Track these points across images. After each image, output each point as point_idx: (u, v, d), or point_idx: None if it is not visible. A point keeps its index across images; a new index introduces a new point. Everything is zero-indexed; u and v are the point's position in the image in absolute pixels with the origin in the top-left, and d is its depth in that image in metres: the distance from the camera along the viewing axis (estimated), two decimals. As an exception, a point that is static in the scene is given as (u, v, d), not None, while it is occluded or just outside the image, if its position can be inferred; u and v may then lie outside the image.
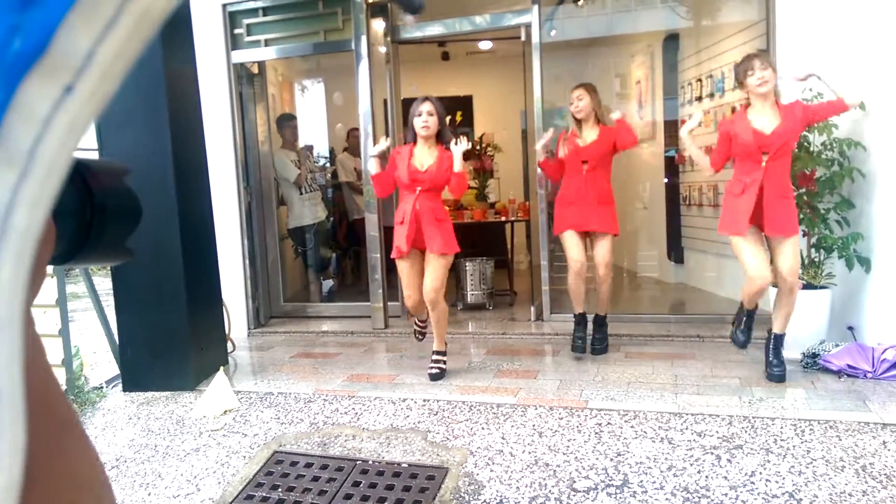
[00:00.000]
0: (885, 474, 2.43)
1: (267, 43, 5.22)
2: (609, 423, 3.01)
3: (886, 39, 3.63)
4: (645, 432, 2.90)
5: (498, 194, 7.10)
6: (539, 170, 4.45)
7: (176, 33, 3.93)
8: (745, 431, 2.84)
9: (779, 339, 3.45)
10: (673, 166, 6.14)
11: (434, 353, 3.88)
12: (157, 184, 3.72)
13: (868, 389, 3.26)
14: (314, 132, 7.15)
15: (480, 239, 6.17)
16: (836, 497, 2.30)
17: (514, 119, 7.30)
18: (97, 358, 4.70)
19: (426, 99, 3.71)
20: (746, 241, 3.30)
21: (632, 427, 2.96)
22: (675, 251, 6.20)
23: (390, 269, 4.05)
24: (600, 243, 4.01)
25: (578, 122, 4.02)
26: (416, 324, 4.15)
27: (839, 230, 3.77)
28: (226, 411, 3.46)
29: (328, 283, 6.35)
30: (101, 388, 4.01)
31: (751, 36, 4.69)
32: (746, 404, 3.14)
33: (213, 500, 2.61)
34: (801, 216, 3.66)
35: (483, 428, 3.05)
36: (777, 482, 2.42)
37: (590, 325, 4.14)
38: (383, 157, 3.92)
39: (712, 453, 2.66)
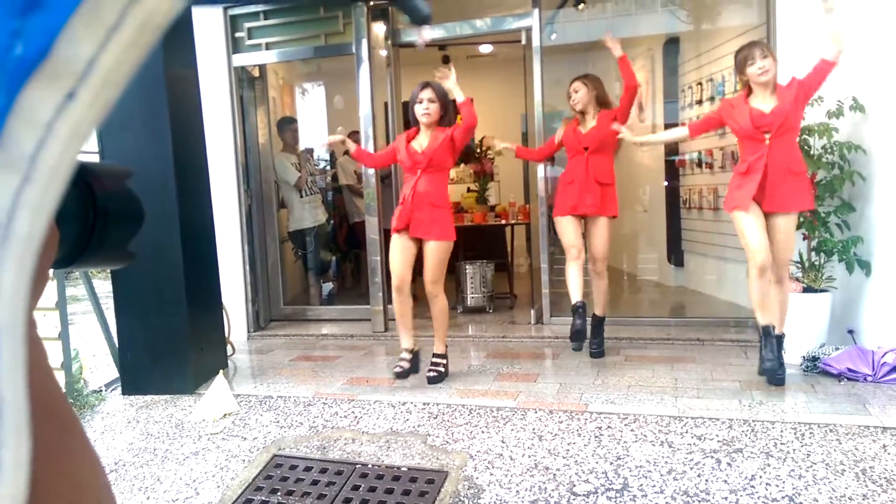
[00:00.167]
0: (886, 478, 2.42)
1: (268, 46, 5.22)
2: (609, 427, 3.00)
3: (886, 43, 3.63)
4: (645, 436, 2.89)
5: (498, 197, 7.10)
6: (541, 167, 4.50)
7: (177, 37, 3.93)
8: (746, 435, 2.84)
9: (778, 341, 3.44)
10: (673, 169, 6.15)
11: (434, 355, 3.84)
12: (157, 187, 3.72)
13: (868, 393, 3.25)
14: (315, 135, 7.15)
15: (480, 242, 6.18)
16: (836, 501, 2.29)
17: (514, 122, 7.30)
18: (96, 361, 4.70)
19: (427, 85, 3.62)
20: (748, 217, 3.27)
21: (632, 431, 2.95)
22: (675, 254, 6.20)
23: (390, 272, 4.04)
24: (598, 231, 3.98)
25: (580, 113, 4.05)
26: (401, 357, 3.75)
27: (839, 233, 3.77)
28: (225, 415, 3.46)
29: (328, 287, 6.35)
30: (101, 391, 4.01)
31: (751, 40, 4.69)
32: (746, 408, 3.13)
33: (212, 503, 2.61)
34: (801, 219, 3.66)
35: (483, 431, 3.04)
36: (777, 486, 2.41)
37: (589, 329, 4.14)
38: (341, 143, 4.09)
39: (712, 457, 2.66)
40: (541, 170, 4.92)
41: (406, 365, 3.68)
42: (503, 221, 5.98)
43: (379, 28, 5.12)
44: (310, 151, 6.61)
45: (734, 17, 5.09)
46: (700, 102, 5.60)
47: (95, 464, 0.39)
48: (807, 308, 3.71)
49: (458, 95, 3.60)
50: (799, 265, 3.86)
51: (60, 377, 3.68)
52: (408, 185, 3.71)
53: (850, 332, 3.81)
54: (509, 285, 6.04)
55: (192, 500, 2.65)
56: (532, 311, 5.09)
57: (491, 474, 2.64)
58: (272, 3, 5.08)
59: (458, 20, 5.07)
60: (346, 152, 6.58)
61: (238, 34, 5.23)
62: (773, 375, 3.32)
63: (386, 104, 5.32)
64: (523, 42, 4.98)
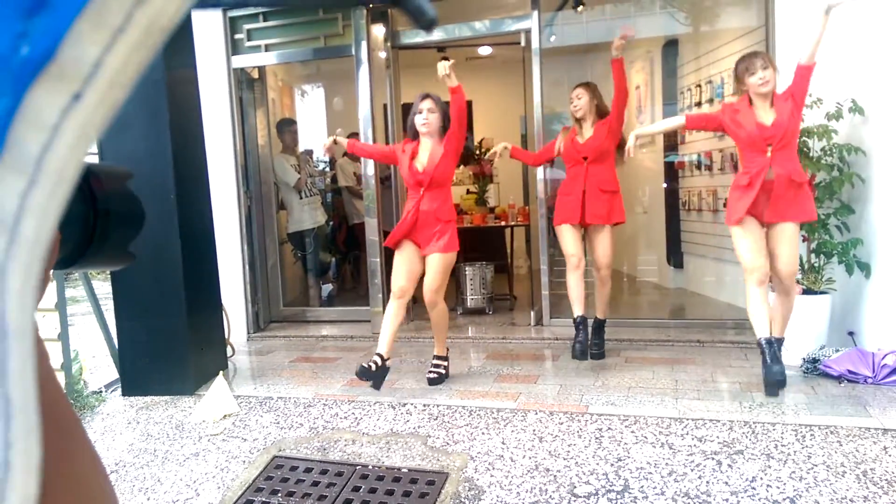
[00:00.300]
0: (886, 480, 2.42)
1: (267, 48, 5.23)
2: (609, 429, 3.00)
3: (885, 45, 3.64)
4: (645, 437, 2.89)
5: (497, 199, 7.10)
6: (540, 169, 4.49)
7: (176, 38, 3.91)
8: (746, 437, 2.84)
9: (779, 343, 3.44)
10: (672, 171, 6.15)
11: (434, 357, 3.85)
12: (157, 188, 3.72)
13: (868, 395, 3.25)
14: (314, 137, 7.16)
15: (480, 243, 6.17)
16: (837, 503, 2.29)
17: (513, 124, 7.31)
18: (96, 362, 4.70)
19: (426, 96, 3.65)
20: (745, 234, 3.27)
21: (632, 432, 2.95)
22: (675, 256, 6.21)
23: (390, 273, 4.05)
24: (600, 238, 3.97)
25: (578, 120, 4.04)
26: (433, 363, 3.79)
27: (839, 235, 3.78)
28: (225, 416, 3.45)
29: (328, 288, 6.35)
30: (101, 392, 4.01)
31: (750, 42, 4.70)
32: (747, 409, 3.13)
33: (212, 505, 2.61)
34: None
35: (483, 433, 3.04)
36: (778, 488, 2.41)
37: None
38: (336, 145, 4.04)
39: (713, 458, 2.66)
40: (540, 172, 4.92)
41: (373, 366, 3.53)
42: (503, 223, 5.98)
43: (378, 30, 5.13)
44: (309, 153, 6.62)
45: (733, 19, 5.09)
46: (699, 104, 5.60)
47: (97, 465, 0.39)
48: (807, 310, 3.71)
49: (453, 80, 3.53)
50: (799, 267, 3.86)
51: (60, 378, 3.66)
52: (411, 201, 3.72)
53: (851, 333, 3.81)
54: (509, 287, 6.04)
55: (192, 500, 2.64)
56: (532, 313, 5.09)
57: (491, 476, 2.63)
58: (278, 6, 5.09)
59: (457, 22, 5.07)
60: (346, 153, 6.59)
61: (237, 36, 5.23)
62: (779, 387, 3.24)
63: (385, 106, 5.33)
64: (522, 44, 4.99)
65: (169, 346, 3.89)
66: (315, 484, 2.66)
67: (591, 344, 4.10)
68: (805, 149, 3.80)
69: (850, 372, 3.43)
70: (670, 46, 6.00)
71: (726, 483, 2.46)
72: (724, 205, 3.63)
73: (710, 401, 3.27)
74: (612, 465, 2.66)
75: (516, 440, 2.94)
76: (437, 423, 3.20)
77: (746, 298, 3.36)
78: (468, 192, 6.61)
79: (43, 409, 0.27)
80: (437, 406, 3.41)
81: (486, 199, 6.44)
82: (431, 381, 3.75)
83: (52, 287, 3.64)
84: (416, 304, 3.89)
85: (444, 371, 3.83)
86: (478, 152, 6.77)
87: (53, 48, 0.22)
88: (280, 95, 6.23)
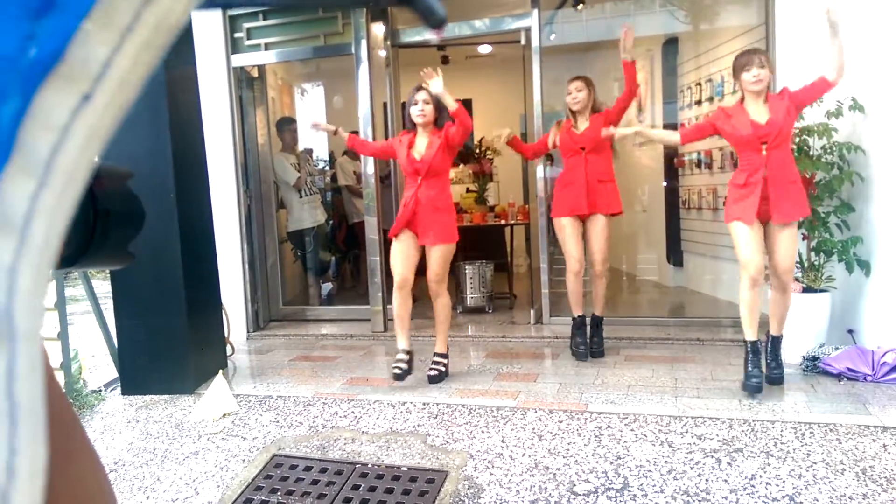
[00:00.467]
0: (886, 477, 2.42)
1: (267, 47, 5.22)
2: (609, 427, 3.00)
3: (885, 43, 3.64)
4: (645, 435, 2.89)
5: (497, 198, 7.10)
6: (540, 168, 4.48)
7: (176, 37, 3.93)
8: (746, 435, 2.84)
9: (776, 341, 3.44)
10: (672, 170, 6.15)
11: (435, 354, 3.86)
12: (156, 187, 3.72)
13: (868, 393, 3.25)
14: (314, 135, 7.15)
15: (480, 242, 6.17)
16: (836, 500, 2.29)
17: (513, 123, 7.29)
18: (96, 361, 4.70)
19: (421, 87, 3.69)
20: (745, 229, 3.28)
21: (632, 430, 2.95)
22: (675, 254, 6.21)
23: (390, 272, 4.06)
24: (597, 231, 3.97)
25: (573, 113, 4.05)
26: (398, 358, 3.75)
27: (839, 234, 3.78)
28: (225, 415, 3.46)
29: (327, 287, 6.35)
30: (100, 391, 4.01)
31: (750, 40, 4.70)
32: (746, 407, 3.13)
33: (211, 503, 2.61)
34: (801, 220, 3.66)
35: (483, 431, 3.04)
36: (777, 485, 2.41)
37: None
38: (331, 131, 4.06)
39: (712, 456, 2.66)
40: (539, 170, 4.92)
41: (404, 366, 3.71)
42: (502, 222, 5.98)
43: (378, 28, 5.12)
44: (309, 152, 6.61)
45: (733, 17, 5.09)
46: (699, 103, 5.60)
47: (96, 464, 0.39)
48: (806, 308, 3.72)
49: (450, 103, 3.57)
50: (799, 265, 3.86)
51: (60, 377, 3.68)
52: (409, 190, 3.74)
53: (850, 331, 3.81)
54: (509, 285, 6.04)
55: (191, 499, 2.64)
56: (531, 311, 5.09)
57: (491, 474, 2.64)
58: (288, 6, 5.08)
59: (457, 20, 5.06)
60: (345, 152, 6.59)
61: (237, 34, 5.22)
62: (756, 391, 3.27)
63: (385, 104, 5.32)
64: (522, 42, 4.98)
65: (168, 344, 3.89)
66: (315, 482, 2.66)
67: (590, 342, 4.12)
68: (805, 147, 3.80)
69: (849, 370, 3.43)
70: (670, 45, 6.00)
71: (726, 481, 2.47)
72: (724, 203, 3.63)
73: (710, 399, 3.27)
74: (611, 463, 2.66)
75: (516, 438, 2.94)
76: (436, 421, 3.20)
77: (739, 298, 3.39)
78: (468, 190, 6.61)
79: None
80: (437, 404, 3.41)
81: (485, 197, 6.44)
82: (432, 379, 3.76)
83: (51, 286, 3.64)
84: (415, 304, 3.90)
85: (444, 368, 3.84)
86: (478, 151, 6.76)
87: (62, 49, 0.22)
88: (280, 94, 6.23)
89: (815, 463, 2.56)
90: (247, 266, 5.34)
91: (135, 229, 0.44)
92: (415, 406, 3.41)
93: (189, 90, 4.08)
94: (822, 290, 3.77)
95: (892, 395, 3.21)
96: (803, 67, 3.96)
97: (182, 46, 4.03)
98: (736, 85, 3.40)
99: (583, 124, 4.02)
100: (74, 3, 0.22)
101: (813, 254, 3.84)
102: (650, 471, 2.58)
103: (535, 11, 4.80)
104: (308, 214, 5.86)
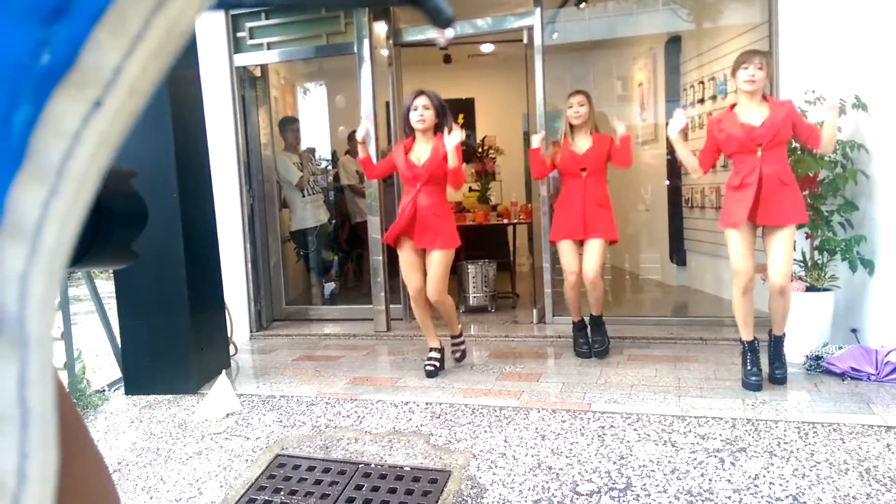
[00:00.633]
0: (889, 477, 2.42)
1: (269, 46, 5.23)
2: (612, 426, 3.00)
3: (889, 41, 3.62)
4: (648, 435, 2.89)
5: (500, 196, 7.09)
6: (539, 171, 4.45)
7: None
8: (749, 434, 2.84)
9: (779, 341, 3.44)
10: (675, 168, 6.13)
11: (452, 338, 4.04)
12: (159, 187, 3.72)
13: (872, 392, 3.25)
14: (316, 135, 7.15)
15: (482, 241, 6.17)
16: (839, 500, 2.29)
17: (515, 122, 7.30)
18: (99, 361, 4.71)
19: (421, 92, 3.70)
20: (738, 237, 3.29)
21: (635, 430, 2.95)
22: (678, 253, 6.20)
23: (393, 272, 4.07)
24: (592, 248, 3.95)
25: (571, 127, 4.03)
26: (430, 357, 3.93)
27: (842, 232, 3.77)
28: (228, 414, 3.46)
29: (330, 286, 6.36)
30: (104, 391, 4.02)
31: (753, 38, 4.69)
32: (750, 407, 3.13)
33: (215, 503, 2.61)
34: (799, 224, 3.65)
35: (486, 431, 3.04)
36: (781, 485, 2.41)
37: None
38: (365, 140, 3.93)
39: (716, 456, 2.66)
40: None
41: (437, 364, 3.90)
42: (505, 221, 5.98)
43: (380, 27, 5.12)
44: (311, 151, 6.62)
45: (736, 15, 5.08)
46: (702, 101, 5.59)
47: (99, 464, 0.39)
48: (810, 307, 3.71)
49: (452, 160, 3.60)
50: (802, 264, 3.85)
51: (63, 377, 3.69)
52: (407, 196, 3.75)
53: (854, 331, 3.80)
54: (511, 285, 6.04)
55: (195, 499, 2.65)
56: (534, 311, 5.09)
57: (494, 474, 2.63)
58: (293, 6, 5.08)
59: (459, 19, 5.06)
60: (348, 152, 6.59)
61: (240, 34, 5.23)
62: (755, 389, 3.32)
63: (387, 103, 5.32)
64: (525, 41, 4.97)
65: (172, 344, 3.90)
66: (318, 482, 2.67)
67: (592, 342, 4.12)
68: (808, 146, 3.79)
69: (853, 369, 3.42)
70: (673, 43, 5.98)
71: (729, 480, 2.46)
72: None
73: (713, 398, 3.27)
74: (614, 462, 2.66)
75: (519, 438, 2.94)
76: (439, 421, 3.20)
77: (732, 303, 3.42)
78: (470, 189, 6.61)
79: None
80: (440, 404, 3.41)
81: (488, 196, 6.44)
82: (458, 360, 4.05)
83: (55, 286, 3.64)
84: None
85: (464, 347, 4.08)
86: (480, 150, 6.76)
87: (74, 56, 0.22)
88: (282, 93, 6.23)
89: (819, 462, 2.55)
90: (250, 266, 5.35)
91: (138, 229, 0.44)
92: (418, 406, 3.41)
93: (192, 90, 4.08)
94: (825, 290, 3.77)
95: (896, 394, 3.21)
96: (806, 65, 3.95)
97: (184, 46, 4.03)
98: (732, 81, 3.41)
99: (583, 142, 4.01)
100: (86, 10, 0.22)
101: (816, 252, 3.83)
102: (653, 470, 2.57)
103: (538, 10, 4.79)
104: (311, 214, 5.87)
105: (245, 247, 5.30)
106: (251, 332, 5.28)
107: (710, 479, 2.48)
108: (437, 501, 2.46)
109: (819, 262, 3.83)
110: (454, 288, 5.12)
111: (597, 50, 6.52)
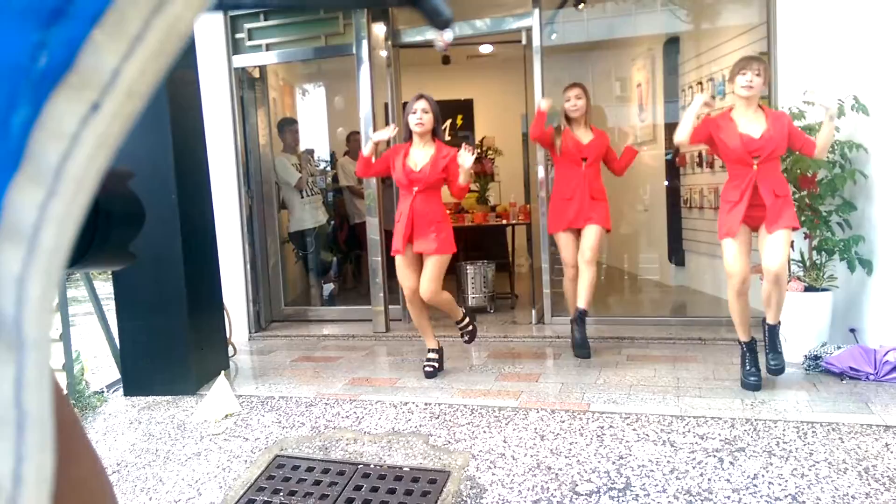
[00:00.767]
0: (888, 476, 2.42)
1: (268, 47, 5.23)
2: (611, 426, 3.00)
3: (887, 42, 3.63)
4: (647, 435, 2.89)
5: (498, 197, 7.10)
6: (541, 168, 4.48)
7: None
8: (748, 434, 2.84)
9: (773, 330, 3.41)
10: (673, 169, 6.14)
11: (457, 324, 4.05)
12: (158, 188, 3.72)
13: (870, 392, 3.25)
14: (315, 136, 7.15)
15: (481, 242, 6.18)
16: (838, 499, 2.29)
17: (514, 123, 7.30)
18: (98, 362, 4.70)
19: (420, 97, 3.72)
20: (734, 243, 3.30)
21: (634, 430, 2.95)
22: (676, 254, 6.20)
23: (391, 272, 4.06)
24: (589, 232, 4.00)
25: (569, 121, 4.06)
26: (428, 358, 3.96)
27: (841, 232, 3.77)
28: (227, 415, 3.46)
29: (329, 287, 6.36)
30: (102, 392, 4.01)
31: (751, 39, 4.70)
32: (749, 407, 3.13)
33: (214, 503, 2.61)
34: (803, 218, 3.67)
35: (485, 431, 3.04)
36: (780, 485, 2.41)
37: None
38: (381, 143, 3.93)
39: (715, 456, 2.66)
40: (541, 170, 4.92)
41: (436, 364, 3.90)
42: (504, 221, 5.98)
43: (379, 29, 5.12)
44: (310, 152, 6.62)
45: (734, 16, 5.09)
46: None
47: (97, 465, 0.39)
48: (808, 307, 3.71)
49: (464, 178, 3.65)
50: (800, 264, 3.86)
51: (62, 379, 3.69)
52: (404, 202, 3.76)
53: (852, 330, 3.80)
54: (510, 285, 6.04)
55: (194, 500, 2.65)
56: (533, 311, 5.09)
57: (493, 474, 2.63)
58: (294, 7, 5.08)
59: (458, 20, 5.06)
60: (347, 153, 6.59)
61: (238, 35, 5.23)
62: (754, 389, 3.35)
63: (386, 105, 5.32)
64: (524, 42, 4.98)
65: (170, 345, 3.89)
66: (317, 483, 2.67)
67: (583, 338, 4.04)
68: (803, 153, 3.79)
69: (851, 369, 3.43)
70: (671, 44, 5.99)
71: (728, 480, 2.46)
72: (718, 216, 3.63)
73: (712, 398, 3.27)
74: (613, 462, 2.66)
75: (518, 438, 2.94)
76: (438, 421, 3.20)
77: (728, 305, 3.43)
78: (469, 190, 6.60)
79: None
80: (439, 405, 3.41)
81: (487, 197, 6.44)
82: (468, 341, 4.07)
83: (53, 287, 3.64)
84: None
85: (472, 328, 4.05)
86: (479, 151, 6.76)
87: (72, 57, 0.22)
88: (281, 95, 6.23)
89: (818, 462, 2.56)
90: (248, 267, 5.35)
91: (136, 230, 0.44)
92: (417, 406, 3.41)
93: (190, 91, 4.08)
94: (823, 289, 3.77)
95: (895, 394, 3.21)
96: (804, 66, 3.96)
97: (183, 47, 4.03)
98: (730, 85, 3.40)
99: (584, 134, 4.06)
100: (85, 12, 0.22)
101: (814, 252, 3.83)
102: (652, 470, 2.57)
103: (537, 11, 4.79)
104: (309, 215, 5.87)
105: (244, 248, 5.30)
106: (250, 333, 5.28)
107: (709, 479, 2.48)
108: (436, 502, 2.46)
109: (817, 262, 3.83)
110: (453, 289, 5.11)
111: (595, 51, 6.52)
